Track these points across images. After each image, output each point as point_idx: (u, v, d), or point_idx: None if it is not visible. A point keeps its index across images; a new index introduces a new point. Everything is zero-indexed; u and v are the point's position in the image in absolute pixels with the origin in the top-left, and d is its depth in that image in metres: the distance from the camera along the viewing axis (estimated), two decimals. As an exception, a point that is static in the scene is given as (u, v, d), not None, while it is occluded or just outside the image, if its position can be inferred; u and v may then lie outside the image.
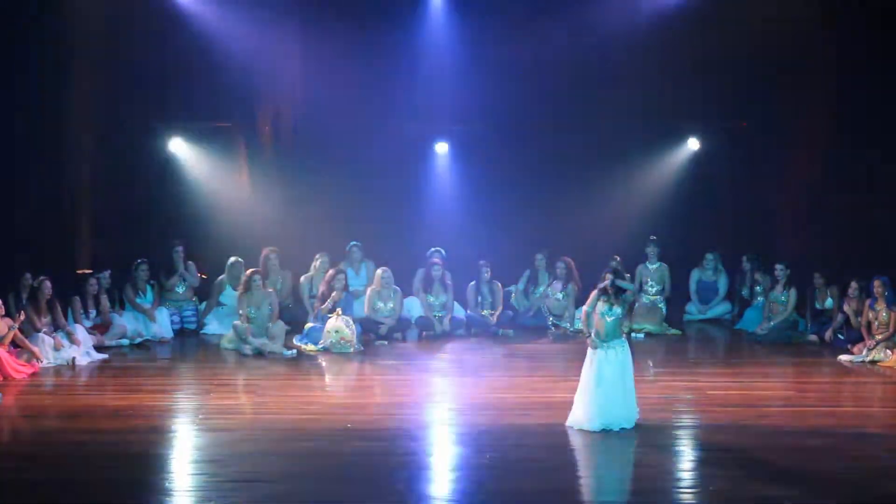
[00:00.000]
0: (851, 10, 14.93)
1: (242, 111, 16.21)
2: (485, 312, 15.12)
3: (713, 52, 15.39)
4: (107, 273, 14.33)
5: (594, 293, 9.86)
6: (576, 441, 9.53)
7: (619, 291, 9.74)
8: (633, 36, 15.45)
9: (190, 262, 15.36)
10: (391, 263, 15.08)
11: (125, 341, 14.10)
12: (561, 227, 16.13)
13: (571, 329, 14.80)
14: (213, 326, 14.98)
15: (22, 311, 12.75)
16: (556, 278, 15.29)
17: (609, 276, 9.76)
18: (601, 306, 9.77)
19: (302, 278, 15.24)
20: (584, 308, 9.99)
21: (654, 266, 15.61)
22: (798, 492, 8.22)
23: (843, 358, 13.16)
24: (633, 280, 15.56)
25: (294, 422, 10.14)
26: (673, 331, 15.03)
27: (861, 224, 15.26)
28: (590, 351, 9.77)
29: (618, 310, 9.73)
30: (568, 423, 9.79)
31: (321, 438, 9.58)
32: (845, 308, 13.89)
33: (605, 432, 9.58)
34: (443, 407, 10.81)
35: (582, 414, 9.73)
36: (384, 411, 10.54)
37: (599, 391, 9.67)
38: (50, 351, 12.79)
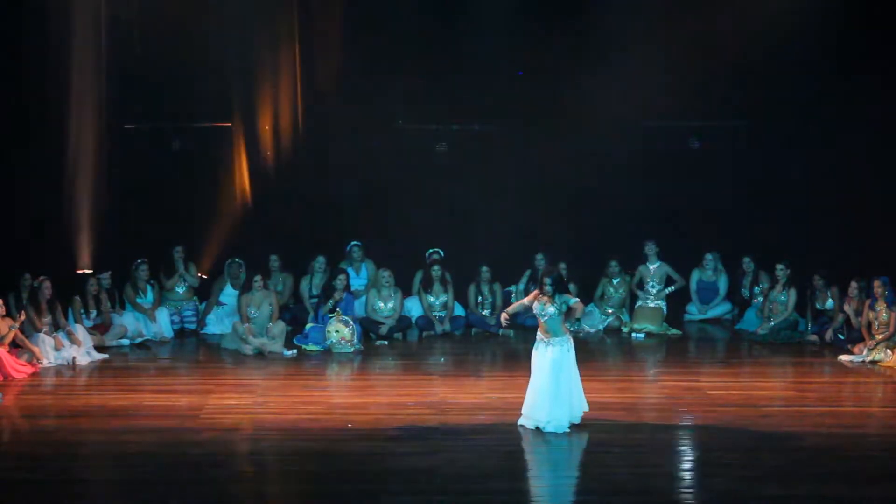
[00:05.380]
0: (852, 7, 14.91)
1: (242, 111, 16.19)
2: (485, 312, 15.13)
3: (714, 50, 15.38)
4: (107, 273, 14.35)
5: (533, 294, 9.97)
6: (574, 441, 9.55)
7: (551, 289, 9.77)
8: (632, 34, 15.43)
9: (190, 263, 15.36)
10: (391, 263, 15.09)
11: (125, 341, 14.11)
12: (561, 227, 16.12)
13: (571, 328, 14.77)
14: (213, 326, 14.98)
15: (23, 311, 12.78)
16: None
17: (544, 280, 9.79)
18: (536, 306, 9.83)
19: (302, 280, 15.25)
20: (524, 300, 10.21)
21: (655, 266, 15.59)
22: (798, 492, 8.23)
23: (843, 358, 13.16)
24: (632, 278, 15.65)
25: (294, 422, 10.14)
26: (673, 331, 15.03)
27: (861, 224, 15.24)
28: (534, 347, 9.91)
29: (550, 309, 9.76)
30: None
31: (321, 438, 9.58)
32: (845, 308, 13.88)
33: (556, 434, 9.64)
34: (443, 407, 10.81)
35: (523, 409, 9.89)
36: (384, 411, 10.54)
37: (533, 387, 9.80)
38: (50, 351, 12.81)
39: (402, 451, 9.22)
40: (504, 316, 10.31)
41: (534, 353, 9.92)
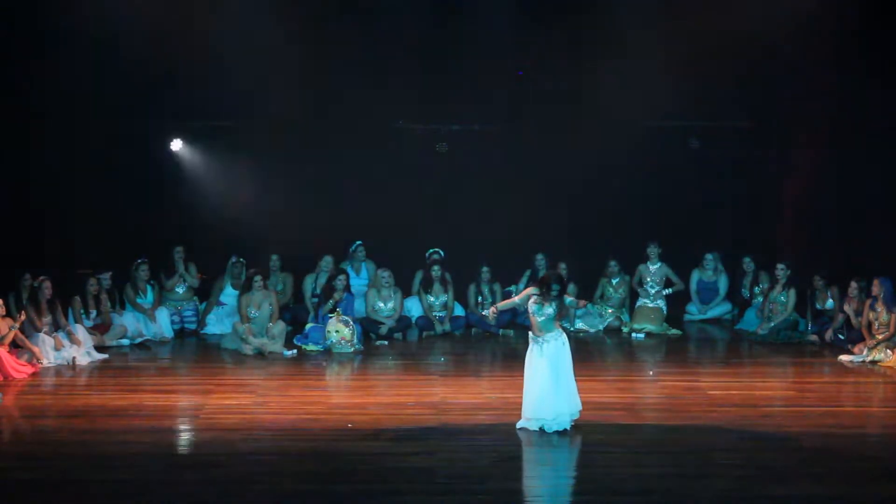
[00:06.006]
0: (851, 7, 14.91)
1: (242, 111, 16.19)
2: (485, 312, 15.11)
3: (713, 50, 15.37)
4: (107, 273, 14.35)
5: (528, 290, 9.94)
6: (575, 441, 9.55)
7: (557, 293, 9.77)
8: (632, 34, 15.42)
9: (190, 263, 15.36)
10: (391, 263, 15.09)
11: (125, 341, 14.12)
12: (561, 227, 16.12)
13: (571, 328, 14.80)
14: (213, 326, 14.98)
15: (23, 311, 12.78)
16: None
17: (552, 286, 9.77)
18: (532, 306, 9.82)
19: (307, 277, 15.25)
20: (515, 299, 10.27)
21: (655, 266, 15.60)
22: (798, 492, 8.22)
23: (844, 358, 13.16)
24: (632, 277, 15.66)
25: (294, 422, 10.14)
26: (673, 331, 15.03)
27: (861, 224, 15.24)
28: (528, 350, 9.88)
29: (548, 309, 9.76)
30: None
31: (321, 438, 9.58)
32: (846, 308, 13.89)
33: (562, 433, 9.63)
34: (443, 407, 10.81)
35: (523, 412, 9.85)
36: (384, 411, 10.54)
37: (532, 386, 9.77)
38: (50, 351, 12.81)
39: (402, 451, 9.22)
40: (492, 311, 10.29)
41: (528, 354, 9.89)
